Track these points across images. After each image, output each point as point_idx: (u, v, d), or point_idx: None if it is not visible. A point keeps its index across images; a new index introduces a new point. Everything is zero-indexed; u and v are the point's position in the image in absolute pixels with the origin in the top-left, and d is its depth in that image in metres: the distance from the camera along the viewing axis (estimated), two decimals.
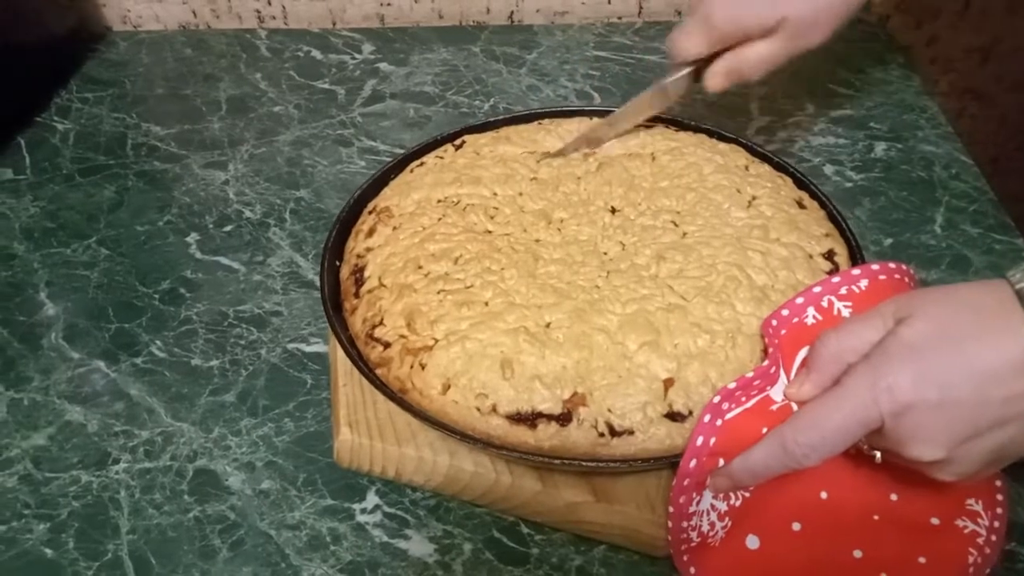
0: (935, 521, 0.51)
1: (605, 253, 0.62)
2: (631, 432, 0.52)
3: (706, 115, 0.72)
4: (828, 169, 0.84)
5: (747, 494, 0.52)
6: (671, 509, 0.51)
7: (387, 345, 0.57)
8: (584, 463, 0.52)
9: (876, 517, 0.51)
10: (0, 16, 0.89)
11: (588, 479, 0.55)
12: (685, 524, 0.51)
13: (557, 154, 0.70)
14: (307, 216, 0.82)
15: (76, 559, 0.57)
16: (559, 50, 1.02)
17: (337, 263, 0.65)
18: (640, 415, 0.52)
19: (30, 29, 0.94)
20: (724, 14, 0.62)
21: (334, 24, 1.08)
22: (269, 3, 1.07)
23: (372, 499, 0.59)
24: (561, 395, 0.53)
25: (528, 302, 0.57)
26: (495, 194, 0.67)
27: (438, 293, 0.58)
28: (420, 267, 0.61)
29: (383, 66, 1.00)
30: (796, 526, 0.52)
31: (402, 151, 0.73)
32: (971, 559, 0.50)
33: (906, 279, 0.53)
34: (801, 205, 0.65)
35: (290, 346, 0.70)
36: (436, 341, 0.56)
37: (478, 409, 0.53)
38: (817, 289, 0.53)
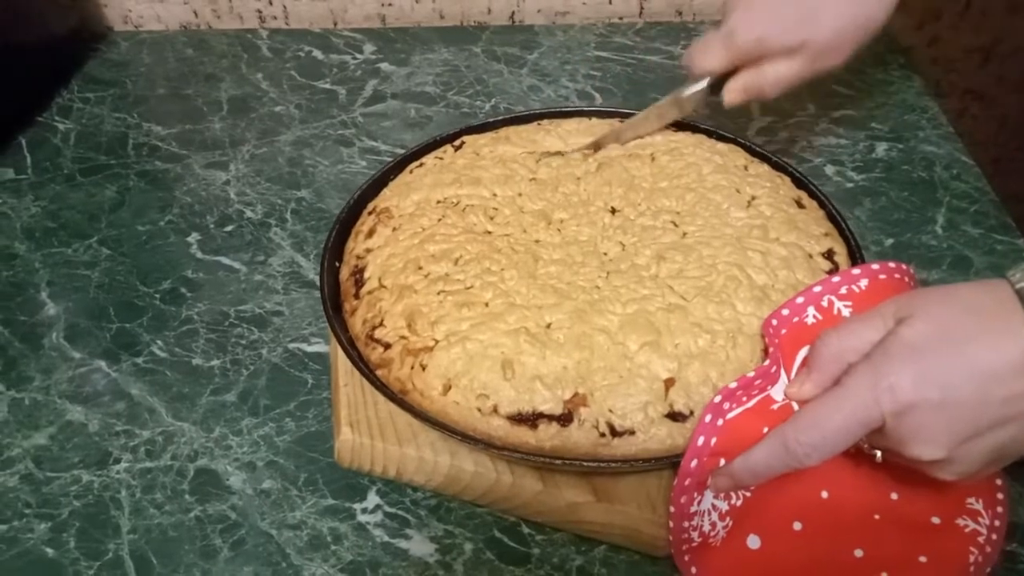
0: (936, 520, 0.51)
1: (605, 253, 0.62)
2: (632, 432, 0.52)
3: (706, 115, 0.72)
4: (829, 169, 0.84)
5: (748, 494, 0.52)
6: (672, 509, 0.51)
7: (387, 346, 0.57)
8: (585, 463, 0.52)
9: (877, 516, 0.51)
10: (1, 16, 0.89)
11: (589, 479, 0.55)
12: (686, 524, 0.51)
13: (556, 154, 0.70)
14: (308, 216, 0.82)
15: (77, 559, 0.57)
16: (560, 50, 1.02)
17: (337, 264, 0.65)
18: (641, 415, 0.52)
19: (31, 29, 0.95)
20: (747, 34, 0.62)
21: (335, 24, 1.08)
22: (270, 3, 1.07)
23: (373, 499, 0.59)
24: (562, 395, 0.53)
25: (528, 303, 0.57)
26: (495, 195, 0.67)
27: (438, 294, 0.59)
28: (420, 268, 0.61)
29: (384, 66, 1.00)
30: (797, 525, 0.52)
31: (403, 151, 0.73)
32: (972, 558, 0.50)
33: (906, 279, 0.53)
34: (800, 205, 0.65)
35: (291, 346, 0.70)
36: (437, 342, 0.56)
37: (479, 410, 0.53)
38: (817, 289, 0.53)
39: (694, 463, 0.50)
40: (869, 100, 0.92)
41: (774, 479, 0.49)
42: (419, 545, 0.57)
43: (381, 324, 0.58)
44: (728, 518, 0.52)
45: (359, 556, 0.56)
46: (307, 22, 1.08)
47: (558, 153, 0.71)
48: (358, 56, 1.02)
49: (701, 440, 0.50)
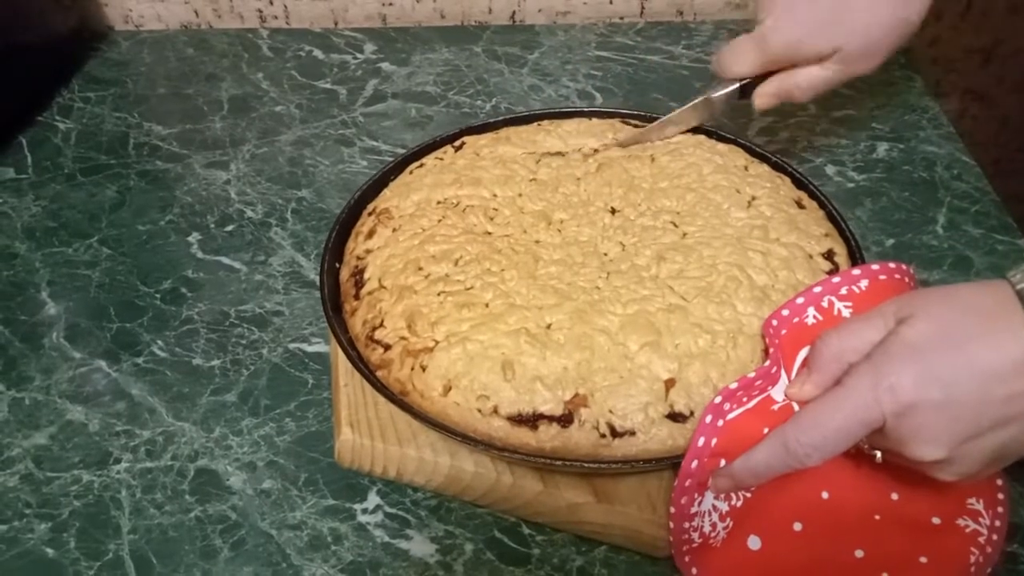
0: (936, 520, 0.51)
1: (605, 254, 0.62)
2: (632, 433, 0.52)
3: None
4: (830, 169, 0.84)
5: (748, 495, 0.52)
6: (672, 510, 0.51)
7: (387, 347, 0.57)
8: (586, 464, 0.52)
9: (877, 517, 0.51)
10: (1, 16, 0.89)
11: (589, 480, 0.55)
12: (687, 525, 0.51)
13: (557, 154, 0.70)
14: (309, 216, 0.82)
15: (77, 559, 0.57)
16: (561, 50, 1.02)
17: (337, 265, 0.65)
18: (641, 416, 0.52)
19: (32, 28, 0.94)
20: (781, 40, 0.62)
21: (336, 24, 1.08)
22: (271, 3, 1.07)
23: (373, 499, 0.59)
24: (562, 396, 0.53)
25: (529, 303, 0.57)
26: (495, 195, 0.67)
27: (438, 295, 0.58)
28: (420, 269, 0.61)
29: (385, 66, 1.00)
30: (797, 526, 0.52)
31: (403, 151, 0.73)
32: (973, 558, 0.50)
33: (906, 279, 0.53)
34: (800, 205, 0.65)
35: (291, 346, 0.70)
36: (437, 343, 0.56)
37: (479, 411, 0.53)
38: (817, 289, 0.53)
39: (695, 464, 0.50)
40: (870, 100, 0.92)
41: (774, 480, 0.49)
42: (419, 545, 0.57)
43: (381, 325, 0.58)
44: (728, 519, 0.52)
45: (359, 556, 0.56)
46: (308, 22, 1.08)
47: (558, 153, 0.71)
48: (359, 56, 1.02)
49: (702, 441, 0.50)
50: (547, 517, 0.56)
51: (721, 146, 0.70)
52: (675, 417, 0.53)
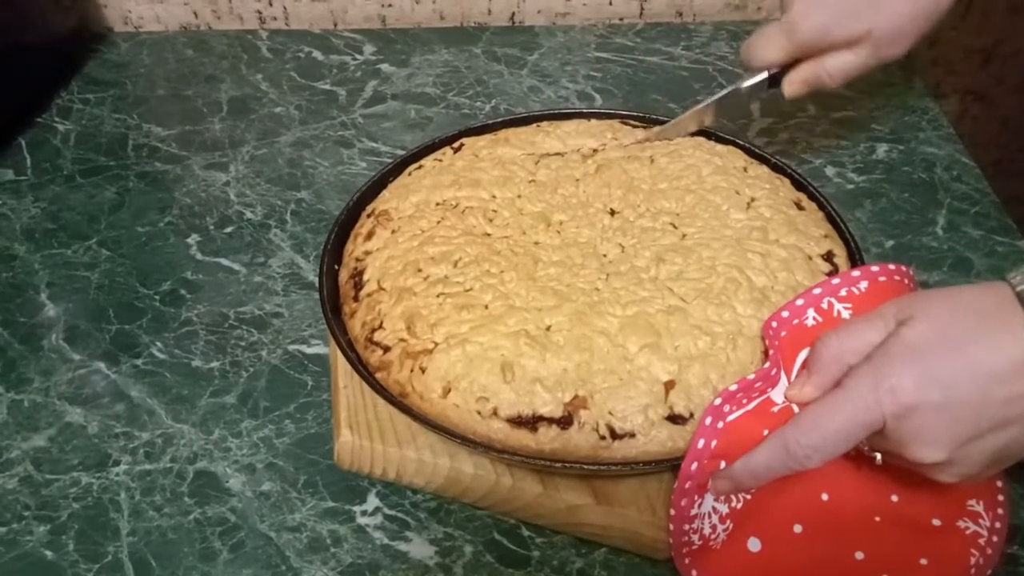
0: (936, 522, 0.51)
1: (604, 255, 0.61)
2: (632, 435, 0.52)
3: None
4: (829, 171, 0.84)
5: (748, 496, 0.52)
6: (672, 512, 0.51)
7: (387, 349, 0.57)
8: (585, 466, 0.52)
9: (877, 518, 0.51)
10: (1, 16, 0.89)
11: (589, 482, 0.55)
12: (686, 527, 0.51)
13: (556, 155, 0.70)
14: (308, 217, 0.81)
15: (76, 561, 0.57)
16: (560, 51, 1.02)
17: (336, 266, 0.65)
18: (641, 418, 0.52)
19: (31, 29, 0.94)
20: (810, 25, 0.61)
21: (335, 25, 1.08)
22: (270, 4, 1.07)
23: (373, 501, 0.59)
24: (562, 398, 0.53)
25: (528, 305, 0.57)
26: (494, 197, 0.67)
27: (438, 296, 0.58)
28: (419, 270, 0.61)
29: (384, 67, 1.00)
30: (797, 528, 0.52)
31: (403, 152, 0.73)
32: (973, 560, 0.50)
33: (906, 280, 0.53)
34: (799, 206, 0.65)
35: (291, 348, 0.70)
36: (436, 344, 0.56)
37: (479, 412, 0.53)
38: (817, 291, 0.53)
39: (694, 466, 0.50)
40: (869, 101, 0.92)
41: (775, 481, 0.48)
42: (419, 547, 0.57)
43: (380, 327, 0.58)
44: (728, 521, 0.52)
45: (359, 558, 0.56)
46: (307, 23, 1.08)
47: (557, 155, 0.70)
48: (358, 57, 1.02)
49: (701, 443, 0.50)
50: (547, 519, 0.56)
51: (720, 147, 0.70)
52: (675, 419, 0.53)
